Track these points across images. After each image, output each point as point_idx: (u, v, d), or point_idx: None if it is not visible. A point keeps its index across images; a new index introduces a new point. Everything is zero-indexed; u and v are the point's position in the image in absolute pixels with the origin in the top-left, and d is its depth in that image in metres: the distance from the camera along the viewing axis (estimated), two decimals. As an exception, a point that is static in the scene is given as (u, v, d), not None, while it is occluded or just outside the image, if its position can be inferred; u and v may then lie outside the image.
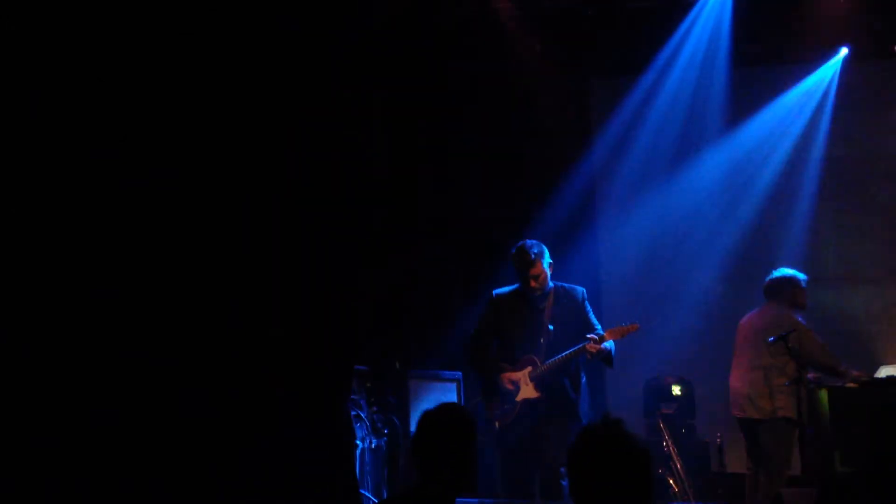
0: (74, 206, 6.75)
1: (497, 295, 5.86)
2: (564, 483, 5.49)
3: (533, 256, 5.59)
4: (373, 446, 6.37)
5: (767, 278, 6.34)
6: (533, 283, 5.61)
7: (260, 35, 6.53)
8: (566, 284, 5.78)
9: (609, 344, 5.51)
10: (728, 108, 7.88)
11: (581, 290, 5.75)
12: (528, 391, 5.57)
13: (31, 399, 6.36)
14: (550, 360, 5.54)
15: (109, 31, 5.88)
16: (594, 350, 5.42)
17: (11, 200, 6.26)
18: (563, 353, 5.51)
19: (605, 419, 2.46)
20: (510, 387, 5.61)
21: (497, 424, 5.62)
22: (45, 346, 6.42)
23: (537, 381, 5.56)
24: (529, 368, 5.59)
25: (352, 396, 6.04)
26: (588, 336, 5.48)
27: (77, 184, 6.64)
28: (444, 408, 3.25)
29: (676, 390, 7.14)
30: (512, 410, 5.60)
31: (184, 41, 5.88)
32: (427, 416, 3.23)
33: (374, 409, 6.52)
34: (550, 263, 5.68)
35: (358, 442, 6.09)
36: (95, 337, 6.63)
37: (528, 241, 5.70)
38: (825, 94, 7.78)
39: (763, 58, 7.80)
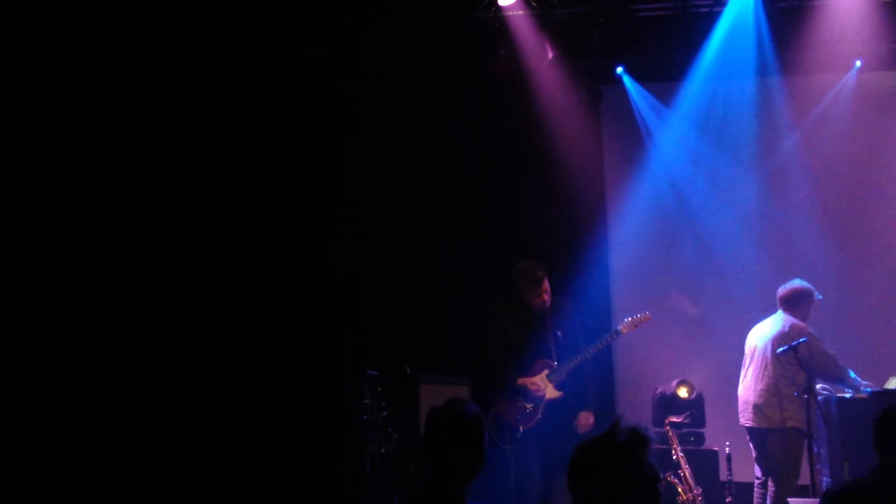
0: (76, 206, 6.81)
1: (499, 303, 5.96)
2: None
3: (542, 273, 5.77)
4: (383, 450, 6.38)
5: (784, 288, 6.32)
6: (545, 297, 5.75)
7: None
8: (558, 296, 5.98)
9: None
10: (742, 119, 7.87)
11: (572, 300, 6.08)
12: (550, 391, 5.77)
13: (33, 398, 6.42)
14: (569, 360, 5.72)
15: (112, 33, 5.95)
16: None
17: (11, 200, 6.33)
18: (585, 350, 5.73)
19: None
20: (533, 389, 5.70)
21: (521, 429, 5.75)
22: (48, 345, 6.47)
23: (557, 382, 5.76)
24: (546, 371, 5.77)
25: (363, 401, 6.07)
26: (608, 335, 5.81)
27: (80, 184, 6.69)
28: (452, 404, 3.21)
29: (685, 399, 7.12)
30: (535, 413, 5.75)
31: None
32: (435, 412, 3.19)
33: (385, 413, 6.53)
34: None
35: (368, 445, 6.12)
36: (99, 338, 6.68)
37: (530, 261, 5.87)
38: (838, 106, 7.76)
39: (779, 69, 7.78)
